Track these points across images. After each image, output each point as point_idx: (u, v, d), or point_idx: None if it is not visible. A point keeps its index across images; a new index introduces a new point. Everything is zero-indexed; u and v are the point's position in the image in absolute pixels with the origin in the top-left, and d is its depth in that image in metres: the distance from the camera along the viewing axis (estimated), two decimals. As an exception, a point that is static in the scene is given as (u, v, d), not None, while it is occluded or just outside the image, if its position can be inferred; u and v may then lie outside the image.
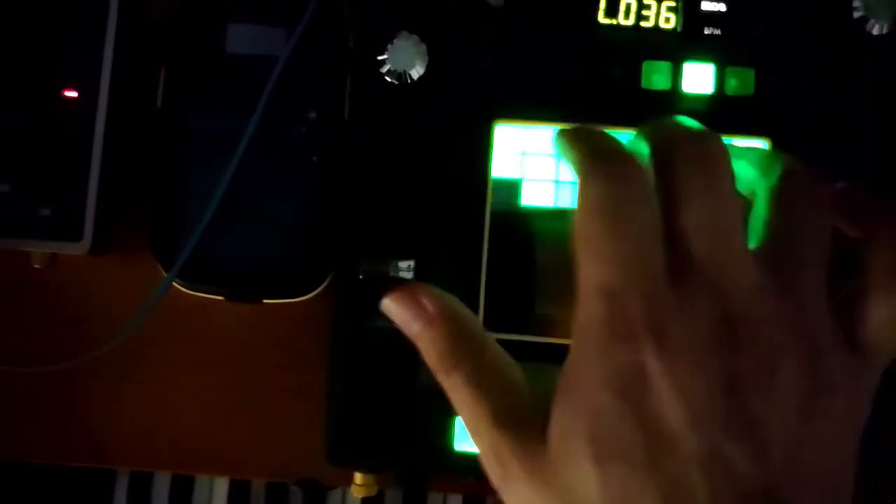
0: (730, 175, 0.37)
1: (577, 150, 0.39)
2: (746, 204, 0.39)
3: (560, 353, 0.46)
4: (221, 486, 0.60)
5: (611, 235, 0.36)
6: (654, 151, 0.38)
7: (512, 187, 0.50)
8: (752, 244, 0.38)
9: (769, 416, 0.34)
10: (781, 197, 0.38)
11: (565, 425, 0.36)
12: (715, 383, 0.34)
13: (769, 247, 0.37)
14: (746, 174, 0.40)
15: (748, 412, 0.34)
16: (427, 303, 0.40)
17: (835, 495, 0.35)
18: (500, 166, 0.50)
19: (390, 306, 0.41)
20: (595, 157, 0.38)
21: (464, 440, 0.49)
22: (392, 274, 0.50)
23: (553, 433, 0.36)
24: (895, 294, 0.38)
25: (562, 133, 0.41)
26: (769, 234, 0.38)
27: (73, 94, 0.52)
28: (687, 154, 0.37)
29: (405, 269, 0.50)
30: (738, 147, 0.43)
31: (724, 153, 0.37)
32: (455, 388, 0.39)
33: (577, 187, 0.37)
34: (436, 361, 0.40)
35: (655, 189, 0.37)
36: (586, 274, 0.36)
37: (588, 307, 0.36)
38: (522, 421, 0.38)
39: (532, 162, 0.50)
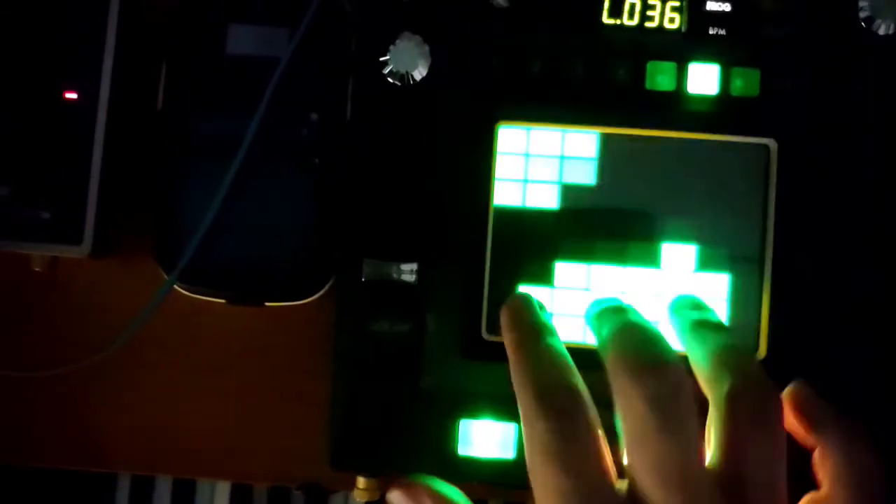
0: (690, 411, 0.37)
1: (519, 372, 0.41)
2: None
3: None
4: (223, 490, 0.60)
5: (553, 473, 0.37)
6: (610, 375, 0.39)
7: (515, 189, 0.50)
8: (708, 460, 0.39)
9: None
10: (732, 422, 0.39)
11: None
12: None
13: (726, 472, 0.38)
14: (702, 367, 0.42)
15: None
16: (427, 499, 0.45)
17: None
18: (504, 168, 0.50)
19: (395, 500, 0.46)
20: (536, 391, 0.39)
21: (466, 445, 0.49)
22: (395, 277, 0.49)
23: None
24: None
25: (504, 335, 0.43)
26: (724, 459, 0.38)
27: (73, 95, 0.51)
28: (645, 391, 0.38)
29: (408, 271, 0.49)
30: (696, 335, 0.43)
31: (683, 388, 0.38)
32: None
33: (523, 426, 0.39)
34: None
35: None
36: None
37: None
38: None
39: (535, 163, 0.50)
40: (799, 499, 0.42)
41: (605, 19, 0.50)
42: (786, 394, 0.43)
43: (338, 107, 0.52)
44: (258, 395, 0.56)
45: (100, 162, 0.51)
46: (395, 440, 0.50)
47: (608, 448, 0.38)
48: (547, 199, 0.50)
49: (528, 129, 0.50)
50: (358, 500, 0.53)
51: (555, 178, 0.50)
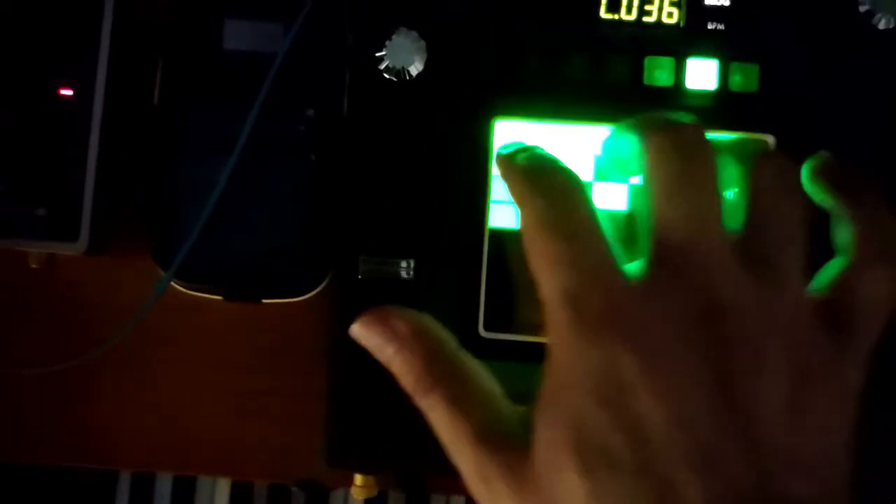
0: (710, 166, 0.36)
1: (509, 176, 0.40)
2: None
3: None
4: (223, 487, 0.60)
5: (552, 242, 0.36)
6: (639, 140, 0.38)
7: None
8: (731, 232, 0.37)
9: (757, 410, 0.33)
10: (755, 184, 0.38)
11: (548, 437, 0.35)
12: (698, 380, 0.33)
13: (746, 236, 0.37)
14: (731, 169, 0.40)
15: (735, 408, 0.33)
16: (398, 324, 0.40)
17: (833, 485, 0.34)
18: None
19: (360, 332, 0.41)
20: (526, 179, 0.38)
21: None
22: (392, 273, 0.49)
23: (536, 447, 0.35)
24: (878, 269, 0.38)
25: (496, 158, 0.42)
26: (746, 222, 0.37)
27: (68, 92, 0.51)
28: (667, 143, 0.37)
29: (405, 267, 0.49)
30: (725, 141, 0.43)
31: (704, 143, 0.37)
32: (433, 408, 0.39)
33: (519, 209, 0.38)
34: (412, 383, 0.39)
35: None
36: (545, 287, 0.36)
37: (553, 317, 0.35)
38: (504, 437, 0.37)
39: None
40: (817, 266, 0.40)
41: (603, 14, 0.50)
42: (809, 161, 0.42)
43: (334, 102, 0.52)
44: (256, 392, 0.56)
45: (96, 158, 0.51)
46: (392, 437, 0.49)
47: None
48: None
49: (525, 125, 0.50)
50: (356, 497, 0.53)
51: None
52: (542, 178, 0.38)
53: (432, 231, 0.50)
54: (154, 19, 0.53)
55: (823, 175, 0.41)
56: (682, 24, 0.50)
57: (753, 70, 0.49)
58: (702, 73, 0.50)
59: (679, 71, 0.50)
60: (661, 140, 0.37)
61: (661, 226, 0.36)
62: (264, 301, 0.52)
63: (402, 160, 0.50)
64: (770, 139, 0.49)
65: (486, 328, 0.49)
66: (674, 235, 0.35)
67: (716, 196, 0.36)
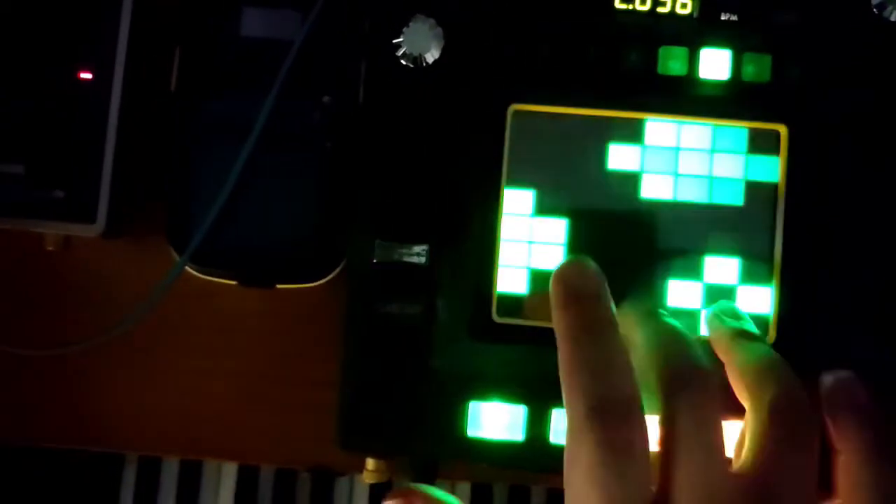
0: (718, 425, 0.37)
1: (573, 398, 0.38)
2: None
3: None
4: (230, 471, 0.60)
5: (594, 500, 0.36)
6: (659, 385, 0.38)
7: (528, 170, 0.50)
8: (738, 460, 0.39)
9: None
10: (771, 432, 0.38)
11: None
12: None
13: (756, 477, 0.37)
14: (744, 375, 0.41)
15: None
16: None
17: None
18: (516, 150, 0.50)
19: None
20: (587, 411, 0.37)
21: (476, 427, 0.49)
22: (406, 259, 0.50)
23: None
24: None
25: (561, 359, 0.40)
26: (756, 465, 0.38)
27: (87, 75, 0.51)
28: (685, 404, 0.37)
29: (420, 253, 0.50)
30: (739, 344, 0.43)
31: (712, 393, 0.37)
32: None
33: (567, 432, 0.37)
34: None
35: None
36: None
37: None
38: None
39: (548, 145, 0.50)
40: None
41: (618, 4, 0.51)
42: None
43: (350, 89, 0.52)
44: (268, 377, 0.56)
45: (113, 142, 0.51)
46: (404, 422, 0.50)
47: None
48: (558, 181, 0.50)
49: (541, 112, 0.50)
50: (367, 481, 0.53)
51: (566, 161, 0.50)
52: (610, 411, 0.37)
53: (447, 217, 0.50)
54: (172, 5, 0.53)
55: (828, 411, 0.41)
56: (695, 15, 0.50)
57: (766, 60, 0.50)
58: (715, 63, 0.50)
59: (692, 61, 0.50)
60: (679, 392, 0.37)
61: (678, 480, 0.36)
62: (278, 286, 0.52)
63: (418, 147, 0.50)
64: (782, 129, 0.50)
65: (499, 314, 0.50)
66: (690, 493, 0.36)
67: (723, 447, 0.37)
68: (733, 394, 0.42)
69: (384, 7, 0.51)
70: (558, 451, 0.48)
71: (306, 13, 0.52)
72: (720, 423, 0.37)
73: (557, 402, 0.48)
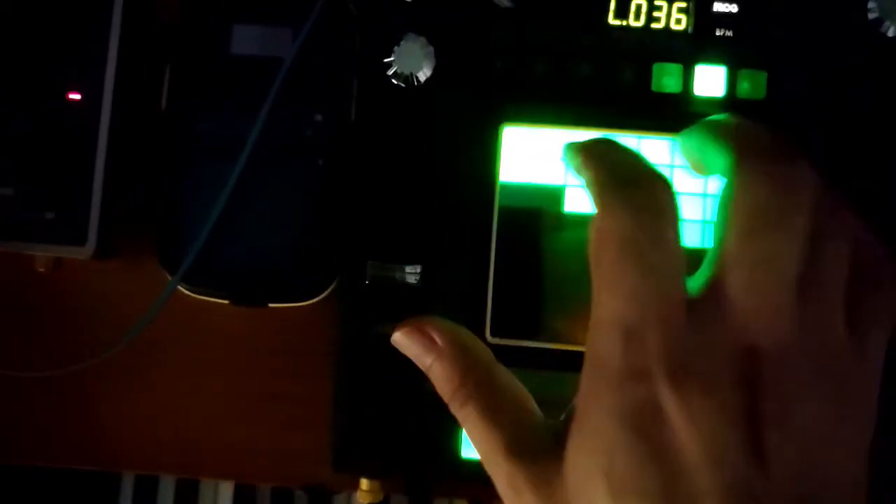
0: (801, 210, 0.36)
1: (595, 170, 0.38)
2: None
3: (569, 360, 0.46)
4: (226, 490, 0.60)
5: (631, 270, 0.35)
6: (732, 158, 0.38)
7: (520, 191, 0.50)
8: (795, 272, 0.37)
9: (788, 447, 0.34)
10: (816, 226, 0.37)
11: (580, 459, 0.36)
12: (732, 416, 0.34)
13: (805, 274, 0.36)
14: None
15: (766, 445, 0.34)
16: (437, 336, 0.42)
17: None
18: (509, 169, 0.50)
19: (401, 340, 0.43)
20: (616, 183, 0.37)
21: (470, 447, 0.49)
22: (399, 279, 0.49)
23: (568, 467, 0.36)
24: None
25: (576, 148, 0.40)
26: (805, 260, 0.36)
27: (76, 96, 0.51)
28: (766, 177, 0.36)
29: (412, 273, 0.49)
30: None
31: (803, 182, 0.37)
32: (469, 418, 0.40)
33: (595, 208, 0.37)
34: (448, 394, 0.40)
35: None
36: (603, 306, 0.36)
37: (603, 340, 0.36)
38: (537, 451, 0.38)
39: (541, 165, 0.50)
40: None
41: (611, 20, 0.50)
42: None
43: (342, 108, 0.52)
44: (261, 396, 0.56)
45: (103, 162, 0.51)
46: (398, 442, 0.50)
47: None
48: (552, 201, 0.50)
49: (533, 131, 0.50)
50: (361, 501, 0.53)
51: (560, 180, 0.50)
52: (637, 188, 0.37)
53: (440, 236, 0.50)
54: (162, 23, 0.53)
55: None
56: (690, 31, 0.50)
57: (761, 77, 0.49)
58: (710, 80, 0.50)
59: (687, 77, 0.50)
60: (770, 174, 0.37)
61: (730, 259, 0.36)
62: (271, 305, 0.52)
63: (410, 166, 0.50)
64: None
65: (493, 334, 0.49)
66: (739, 275, 0.35)
67: (794, 242, 0.36)
68: None
69: (375, 25, 0.50)
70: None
71: (297, 31, 0.51)
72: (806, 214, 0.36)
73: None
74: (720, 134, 0.40)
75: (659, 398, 0.34)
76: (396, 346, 0.43)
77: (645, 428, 0.34)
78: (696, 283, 0.37)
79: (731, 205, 0.37)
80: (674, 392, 0.34)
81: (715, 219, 0.38)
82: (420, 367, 0.42)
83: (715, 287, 0.36)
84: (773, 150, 0.38)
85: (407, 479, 0.53)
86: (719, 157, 0.39)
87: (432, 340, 0.42)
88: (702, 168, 0.44)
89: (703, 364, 0.34)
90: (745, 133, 0.40)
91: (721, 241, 0.37)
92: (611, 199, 0.37)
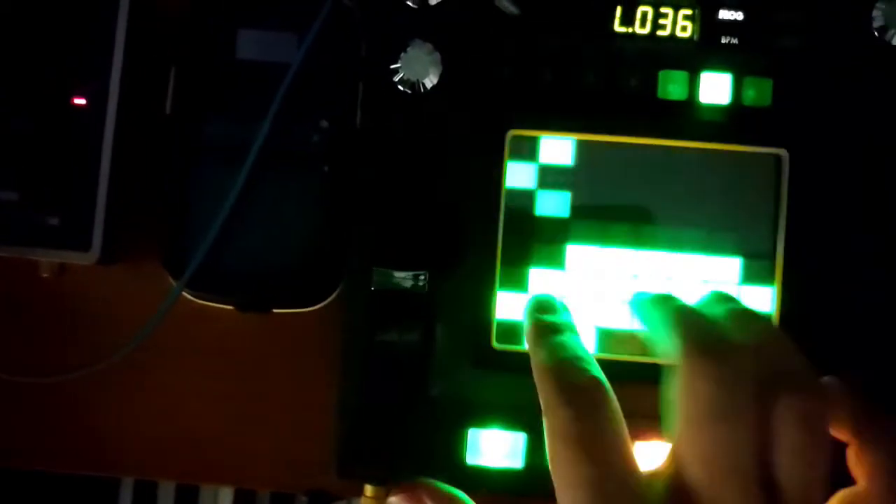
0: (752, 399, 0.36)
1: (537, 364, 0.40)
2: None
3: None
4: (226, 495, 0.60)
5: (581, 463, 0.36)
6: (676, 357, 0.38)
7: (526, 197, 0.50)
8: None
9: None
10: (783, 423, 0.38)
11: None
12: None
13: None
14: None
15: None
16: (430, 501, 0.45)
17: None
18: (514, 176, 0.50)
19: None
20: (554, 376, 0.38)
21: (475, 454, 0.49)
22: (404, 286, 0.49)
23: None
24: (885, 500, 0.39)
25: (529, 328, 0.42)
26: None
27: (82, 101, 0.51)
28: (714, 371, 0.37)
29: (418, 280, 0.49)
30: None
31: (749, 374, 0.37)
32: None
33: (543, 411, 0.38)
34: None
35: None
36: (564, 500, 0.37)
37: None
38: None
39: (546, 172, 0.50)
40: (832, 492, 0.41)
41: (617, 27, 0.50)
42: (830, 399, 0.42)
43: (348, 114, 0.51)
44: (265, 402, 0.55)
45: (108, 168, 0.51)
46: (403, 449, 0.49)
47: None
48: (558, 207, 0.50)
49: (539, 138, 0.50)
50: (364, 508, 0.53)
51: (566, 186, 0.50)
52: (570, 382, 0.38)
53: (445, 243, 0.50)
54: (167, 29, 0.53)
55: (838, 407, 0.42)
56: (695, 39, 0.50)
57: (767, 85, 0.49)
58: (715, 88, 0.50)
59: (693, 85, 0.50)
60: (708, 369, 0.37)
61: (690, 452, 0.36)
62: (275, 311, 0.52)
63: (416, 172, 0.50)
64: (783, 153, 0.49)
65: (499, 341, 0.49)
66: (698, 471, 0.36)
67: (753, 426, 0.36)
68: None
69: (382, 31, 0.50)
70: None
71: (303, 36, 0.51)
72: (754, 401, 0.36)
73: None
74: (671, 319, 0.40)
75: None
76: None
77: None
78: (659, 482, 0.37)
79: (685, 398, 0.37)
80: None
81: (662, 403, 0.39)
82: None
83: (678, 484, 0.36)
84: (719, 344, 0.38)
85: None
86: (668, 341, 0.40)
87: None
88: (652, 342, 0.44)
89: None
90: (694, 322, 0.40)
91: (678, 436, 0.37)
92: (549, 396, 0.38)
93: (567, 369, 0.39)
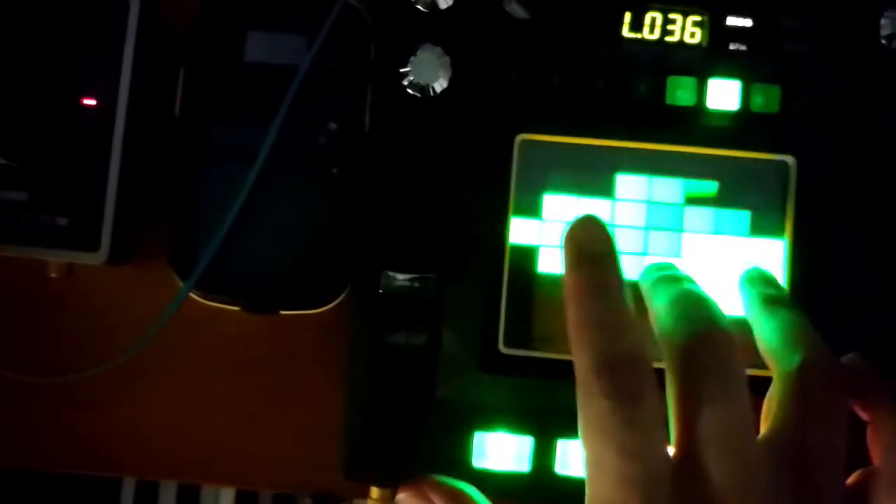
0: (741, 376, 0.36)
1: (582, 354, 0.37)
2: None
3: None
4: (228, 496, 0.60)
5: (616, 454, 0.35)
6: (661, 345, 0.38)
7: (534, 200, 0.50)
8: (764, 428, 0.38)
9: None
10: (799, 393, 0.38)
11: None
12: None
13: (785, 441, 0.37)
14: (770, 341, 0.41)
15: None
16: (436, 497, 0.45)
17: None
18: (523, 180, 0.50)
19: (405, 502, 0.46)
20: (600, 369, 0.36)
21: (481, 457, 0.49)
22: (412, 289, 0.49)
23: None
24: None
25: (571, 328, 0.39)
26: (786, 428, 0.38)
27: (91, 102, 0.51)
28: (699, 358, 0.37)
29: (426, 283, 0.49)
30: (767, 310, 0.43)
31: (734, 353, 0.37)
32: None
33: (577, 388, 0.37)
34: None
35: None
36: (597, 479, 0.36)
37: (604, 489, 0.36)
38: None
39: (555, 175, 0.50)
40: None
41: (626, 33, 0.50)
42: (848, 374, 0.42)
43: (356, 116, 0.52)
44: (271, 403, 0.56)
45: (117, 168, 0.51)
46: (409, 451, 0.49)
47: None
48: (566, 210, 0.50)
49: (548, 142, 0.50)
50: (370, 510, 0.53)
51: (574, 190, 0.50)
52: (618, 370, 0.36)
53: (453, 247, 0.50)
54: (177, 31, 0.53)
55: (855, 380, 0.42)
56: (704, 45, 0.50)
57: (775, 91, 0.50)
58: (723, 94, 0.50)
59: (701, 91, 0.50)
60: (694, 351, 0.37)
61: (694, 442, 0.36)
62: (282, 312, 0.52)
63: (425, 176, 0.50)
64: (791, 160, 0.50)
65: (507, 344, 0.49)
66: (707, 455, 0.35)
67: (747, 408, 0.36)
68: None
69: (391, 35, 0.50)
70: (564, 483, 0.48)
71: (312, 38, 0.51)
72: (745, 384, 0.36)
73: (564, 433, 0.48)
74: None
75: None
76: None
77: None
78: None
79: (680, 374, 0.37)
80: None
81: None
82: None
83: (696, 466, 0.36)
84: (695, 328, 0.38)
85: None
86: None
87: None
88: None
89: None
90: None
91: (684, 414, 0.37)
92: (588, 385, 0.36)
93: (612, 349, 0.37)
